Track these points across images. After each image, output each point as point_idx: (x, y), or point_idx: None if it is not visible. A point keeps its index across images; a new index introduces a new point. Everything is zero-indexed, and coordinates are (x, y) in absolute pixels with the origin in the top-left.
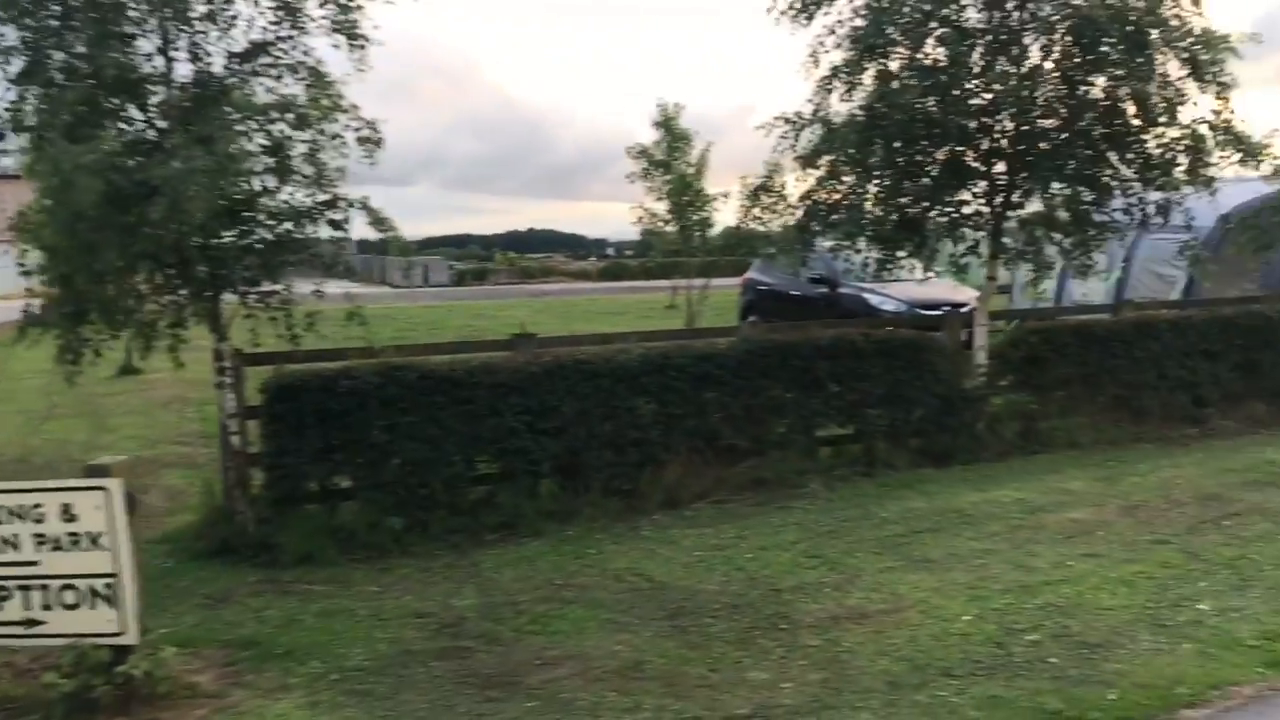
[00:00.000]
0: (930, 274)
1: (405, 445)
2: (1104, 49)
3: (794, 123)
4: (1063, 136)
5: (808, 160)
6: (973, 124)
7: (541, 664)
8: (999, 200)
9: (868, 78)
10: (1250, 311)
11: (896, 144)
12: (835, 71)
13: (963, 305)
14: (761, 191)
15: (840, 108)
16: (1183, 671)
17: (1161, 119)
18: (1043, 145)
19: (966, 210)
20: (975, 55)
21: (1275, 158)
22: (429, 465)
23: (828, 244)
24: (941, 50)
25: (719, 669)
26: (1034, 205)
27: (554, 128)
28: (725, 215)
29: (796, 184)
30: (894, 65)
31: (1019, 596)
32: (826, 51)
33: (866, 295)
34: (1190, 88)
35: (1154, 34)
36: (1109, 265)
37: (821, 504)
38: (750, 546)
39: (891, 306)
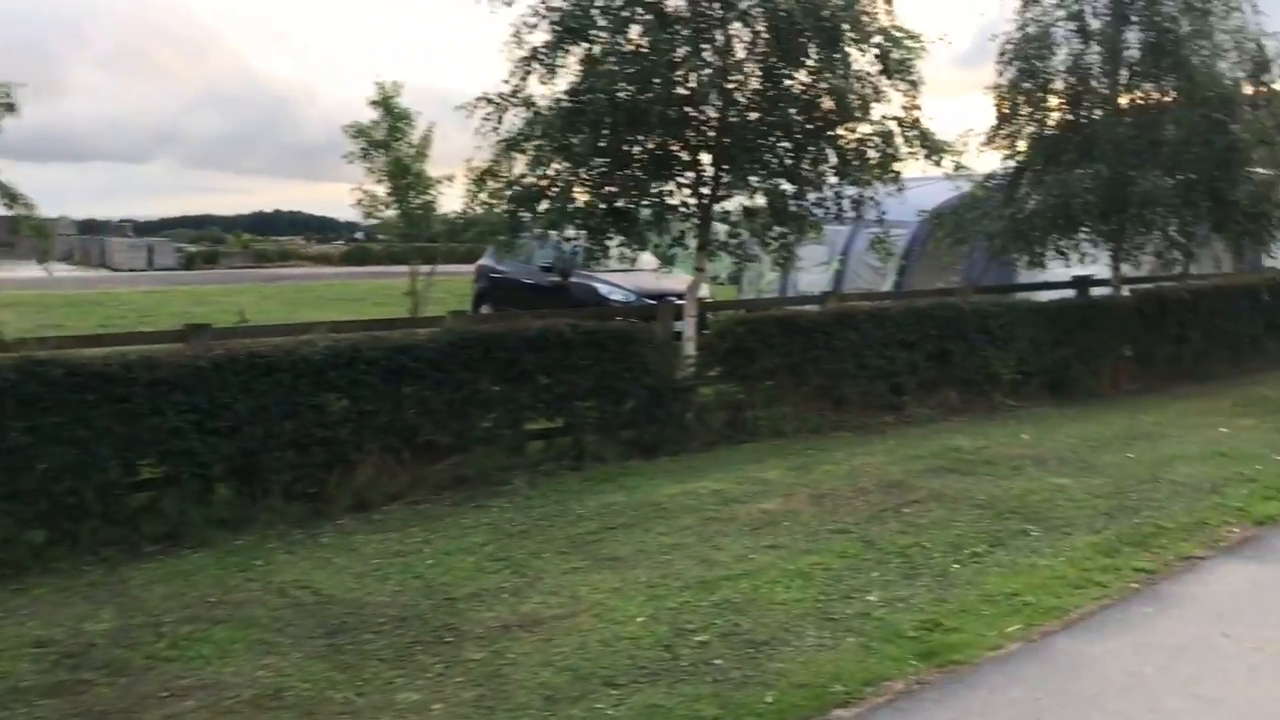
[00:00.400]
0: (659, 264)
1: (50, 449)
2: (801, 42)
3: (497, 104)
4: (764, 129)
5: (512, 144)
6: (676, 114)
7: (168, 696)
8: (706, 192)
9: (572, 61)
10: (943, 303)
11: (604, 131)
12: (535, 53)
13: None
14: (488, 176)
15: (543, 91)
16: (842, 668)
17: (856, 114)
18: (746, 137)
19: (674, 201)
20: (678, 43)
21: (956, 156)
22: (79, 471)
23: (537, 231)
24: (645, 37)
25: (367, 691)
26: (743, 197)
27: (301, 105)
28: (453, 199)
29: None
30: (597, 49)
31: (697, 594)
32: (530, 31)
33: (596, 284)
34: (886, 85)
35: (847, 29)
36: (829, 257)
37: (521, 501)
38: (434, 551)
39: (620, 296)
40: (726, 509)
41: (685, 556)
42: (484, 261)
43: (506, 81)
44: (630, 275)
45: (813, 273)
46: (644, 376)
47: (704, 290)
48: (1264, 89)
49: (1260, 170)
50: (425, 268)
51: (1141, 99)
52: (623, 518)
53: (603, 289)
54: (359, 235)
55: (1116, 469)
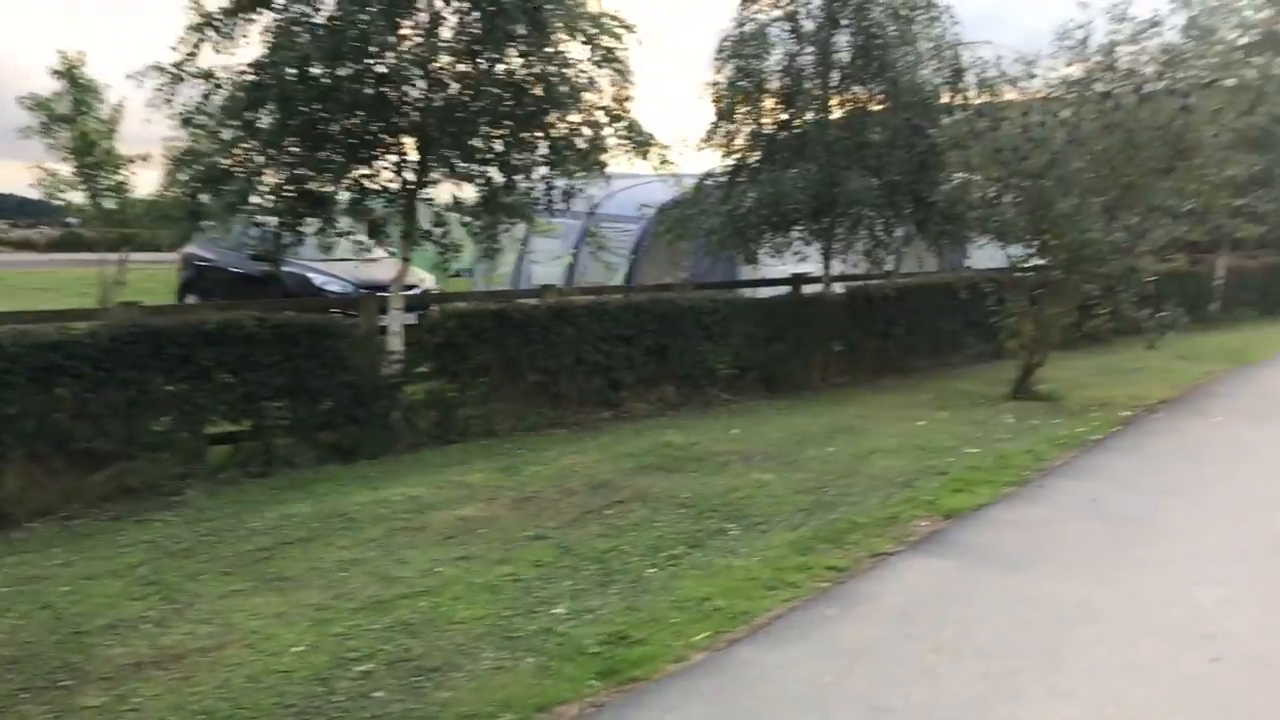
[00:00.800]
0: (382, 254)
1: None
2: (507, 24)
3: (172, 75)
4: (470, 114)
5: (188, 120)
6: (374, 93)
7: None
8: (411, 178)
9: (256, 31)
10: (661, 299)
11: (300, 108)
12: (209, 19)
13: (413, 287)
14: (190, 156)
15: (225, 63)
16: (515, 693)
17: (565, 102)
18: (449, 122)
19: (374, 185)
20: (372, 17)
21: (663, 150)
22: None
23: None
24: (338, 9)
25: None
26: (451, 185)
27: (11, 81)
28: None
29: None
30: (285, 19)
31: (369, 616)
32: None
33: (310, 274)
34: (601, 75)
35: (554, 12)
36: (562, 250)
37: (192, 514)
38: (74, 575)
39: (337, 287)
40: (420, 517)
41: (364, 573)
42: (191, 248)
43: (175, 49)
44: (349, 264)
45: (548, 266)
46: (342, 374)
47: (429, 281)
48: (960, 96)
49: (957, 174)
50: (115, 255)
51: (851, 101)
52: (302, 531)
53: (317, 279)
54: (71, 221)
55: (818, 463)
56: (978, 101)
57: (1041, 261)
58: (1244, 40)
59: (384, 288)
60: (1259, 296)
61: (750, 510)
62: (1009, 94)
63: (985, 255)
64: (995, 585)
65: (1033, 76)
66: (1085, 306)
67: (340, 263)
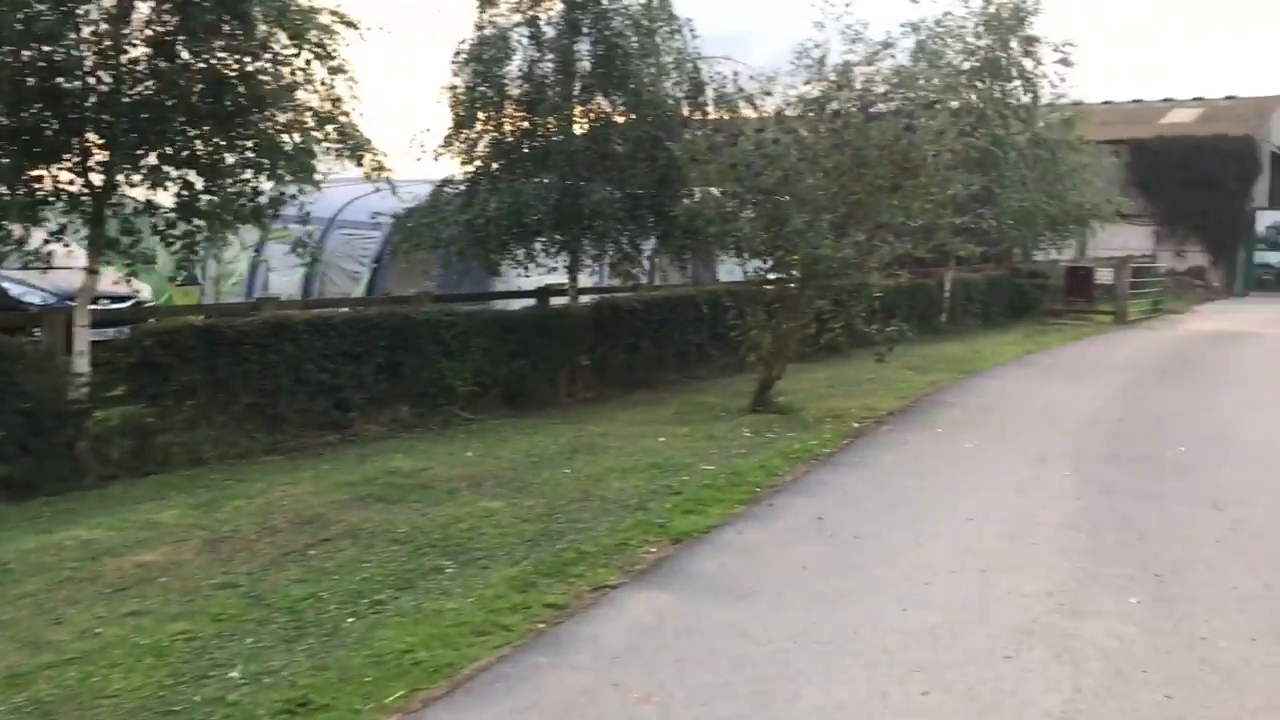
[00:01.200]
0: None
1: None
2: (205, 15)
3: None
4: (163, 111)
5: None
6: (45, 85)
7: None
8: (99, 181)
9: None
10: (393, 313)
11: None
12: None
13: (125, 299)
14: None
15: None
16: None
17: (271, 101)
18: (138, 119)
19: (54, 188)
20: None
21: (379, 156)
22: None
23: None
24: None
25: None
26: (145, 188)
27: None
28: None
29: None
30: None
31: (0, 694)
32: None
33: (5, 284)
34: (316, 71)
35: (259, 4)
36: (300, 259)
37: None
38: None
39: (37, 299)
40: (93, 565)
41: (6, 639)
42: None
43: None
44: (52, 275)
45: (285, 274)
46: (15, 399)
47: (145, 293)
48: (700, 112)
49: (696, 189)
50: None
51: (594, 112)
52: None
53: (14, 289)
54: None
55: (551, 487)
56: (716, 117)
57: (778, 275)
58: (967, 65)
59: (94, 299)
60: (982, 308)
61: (472, 544)
62: (747, 111)
63: (730, 269)
64: (716, 619)
65: (768, 94)
66: (821, 319)
67: (43, 272)
